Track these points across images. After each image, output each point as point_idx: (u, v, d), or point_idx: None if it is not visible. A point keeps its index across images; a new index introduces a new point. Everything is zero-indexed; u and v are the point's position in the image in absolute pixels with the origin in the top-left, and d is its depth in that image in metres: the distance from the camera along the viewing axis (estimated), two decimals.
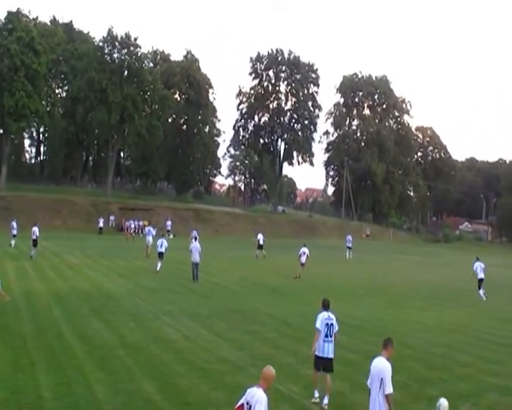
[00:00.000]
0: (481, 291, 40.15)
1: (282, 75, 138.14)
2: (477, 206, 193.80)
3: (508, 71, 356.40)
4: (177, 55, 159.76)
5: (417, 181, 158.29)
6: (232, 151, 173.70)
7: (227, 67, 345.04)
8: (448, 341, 25.17)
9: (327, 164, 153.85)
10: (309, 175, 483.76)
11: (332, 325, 16.61)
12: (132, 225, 76.60)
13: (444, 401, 11.33)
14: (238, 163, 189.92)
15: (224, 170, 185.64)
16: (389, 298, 36.97)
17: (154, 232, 59.57)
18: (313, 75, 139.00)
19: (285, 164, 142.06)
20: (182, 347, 21.36)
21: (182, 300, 31.59)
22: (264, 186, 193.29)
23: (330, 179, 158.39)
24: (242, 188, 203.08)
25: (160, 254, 43.95)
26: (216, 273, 44.21)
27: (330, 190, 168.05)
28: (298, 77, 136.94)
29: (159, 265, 43.16)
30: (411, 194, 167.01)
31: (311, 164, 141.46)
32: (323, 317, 16.66)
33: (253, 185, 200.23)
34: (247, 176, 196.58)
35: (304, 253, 47.38)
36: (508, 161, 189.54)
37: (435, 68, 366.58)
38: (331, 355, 16.45)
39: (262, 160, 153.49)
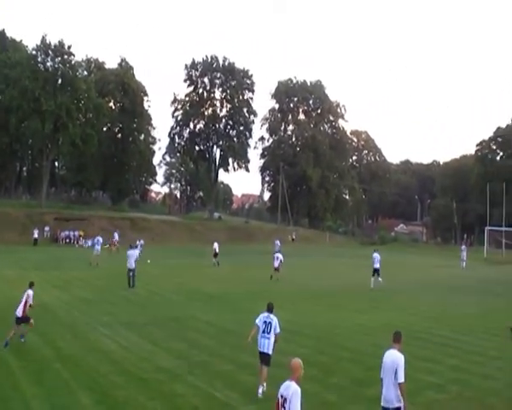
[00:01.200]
0: (377, 279, 45.99)
1: (217, 82, 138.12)
2: (412, 208, 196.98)
3: (439, 75, 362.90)
4: (111, 63, 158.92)
5: (353, 184, 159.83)
6: (168, 159, 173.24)
7: (162, 74, 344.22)
8: (385, 342, 25.20)
9: (262, 170, 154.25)
10: (245, 181, 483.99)
11: (270, 323, 18.26)
12: (116, 237, 75.14)
13: None
14: (174, 170, 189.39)
15: (160, 178, 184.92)
16: (326, 302, 37.13)
17: (101, 241, 59.22)
18: (248, 81, 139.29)
19: (221, 170, 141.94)
20: (119, 357, 21.25)
21: (118, 310, 31.36)
22: (200, 193, 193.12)
23: (266, 185, 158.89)
24: (178, 195, 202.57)
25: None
26: (153, 282, 44.01)
27: (266, 195, 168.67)
28: (233, 83, 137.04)
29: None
30: (347, 197, 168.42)
31: (247, 170, 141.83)
32: (263, 315, 18.64)
33: (188, 193, 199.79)
34: (183, 183, 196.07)
35: (277, 258, 49.71)
36: (441, 163, 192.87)
37: (369, 73, 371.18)
38: (268, 351, 17.97)
39: (198, 167, 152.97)
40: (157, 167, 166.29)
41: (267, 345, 18.05)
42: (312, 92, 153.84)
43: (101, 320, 28.00)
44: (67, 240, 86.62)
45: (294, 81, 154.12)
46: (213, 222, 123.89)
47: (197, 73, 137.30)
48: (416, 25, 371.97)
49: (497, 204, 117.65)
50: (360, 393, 17.92)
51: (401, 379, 12.90)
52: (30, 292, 22.88)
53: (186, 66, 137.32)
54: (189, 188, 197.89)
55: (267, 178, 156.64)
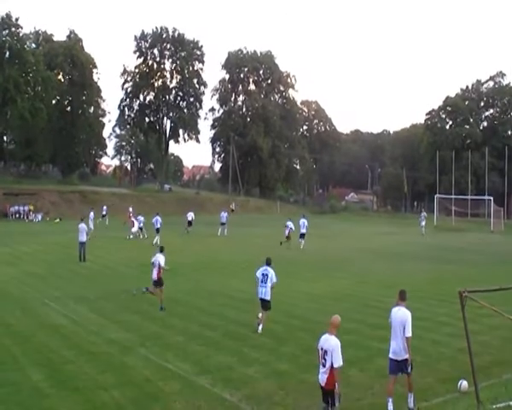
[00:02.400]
0: (301, 240, 51.06)
1: (167, 53, 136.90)
2: (362, 177, 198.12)
3: (389, 44, 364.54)
4: (60, 36, 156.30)
5: (303, 154, 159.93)
6: (118, 131, 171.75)
7: (111, 46, 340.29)
8: (334, 309, 25.22)
9: (213, 140, 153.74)
10: (195, 152, 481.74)
11: (267, 275, 22.12)
12: (131, 210, 72.73)
13: (463, 382, 13.97)
14: (124, 143, 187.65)
15: (110, 150, 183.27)
16: (278, 270, 37.23)
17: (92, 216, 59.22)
18: (198, 52, 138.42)
19: (171, 142, 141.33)
20: (69, 332, 21.13)
21: (69, 284, 31.16)
22: (151, 165, 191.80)
23: (217, 156, 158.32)
24: (129, 168, 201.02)
25: (157, 230, 54.18)
26: (103, 255, 43.79)
27: (217, 166, 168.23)
28: (183, 54, 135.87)
29: (156, 238, 52.17)
30: (297, 167, 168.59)
31: (198, 141, 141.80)
32: (262, 268, 22.47)
33: (139, 165, 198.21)
34: (134, 155, 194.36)
35: (287, 226, 52.86)
36: (392, 132, 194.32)
37: (319, 42, 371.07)
38: (267, 297, 21.88)
39: (148, 139, 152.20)
40: (107, 140, 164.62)
41: (265, 292, 21.91)
42: (262, 62, 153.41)
43: (52, 295, 27.79)
44: (17, 215, 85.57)
45: (245, 52, 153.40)
46: (164, 194, 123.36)
47: (147, 45, 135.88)
48: None
49: (447, 172, 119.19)
50: (311, 361, 17.98)
51: (409, 333, 14.09)
52: (161, 257, 25.87)
53: (135, 37, 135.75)
54: (139, 160, 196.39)
55: (218, 149, 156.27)
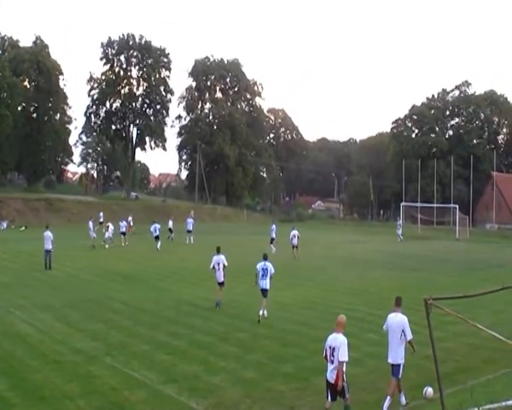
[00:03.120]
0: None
1: (134, 60, 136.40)
2: (329, 184, 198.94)
3: (355, 53, 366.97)
4: (25, 42, 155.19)
5: (270, 162, 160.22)
6: (84, 138, 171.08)
7: (78, 52, 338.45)
8: (302, 318, 25.74)
9: (180, 148, 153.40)
10: (162, 160, 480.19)
11: (266, 269, 26.37)
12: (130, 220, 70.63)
13: (429, 389, 14.57)
14: (90, 150, 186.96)
15: (77, 158, 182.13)
16: (244, 279, 37.29)
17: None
18: (165, 60, 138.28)
19: (138, 150, 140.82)
20: (35, 341, 21.04)
21: (35, 293, 31.02)
22: (117, 173, 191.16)
23: (183, 163, 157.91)
24: (95, 175, 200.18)
25: (157, 238, 56.56)
26: (69, 264, 43.60)
27: (184, 174, 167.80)
28: (149, 62, 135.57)
29: (158, 244, 55.58)
30: (264, 175, 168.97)
31: (164, 149, 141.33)
32: (261, 263, 26.56)
33: (105, 172, 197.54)
34: (100, 163, 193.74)
35: (294, 235, 52.49)
36: (358, 140, 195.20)
37: (286, 51, 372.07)
38: (267, 287, 26.13)
39: (114, 146, 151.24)
40: (73, 147, 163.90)
41: (265, 283, 26.09)
42: (229, 70, 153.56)
43: (17, 303, 27.68)
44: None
45: (211, 59, 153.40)
46: (130, 202, 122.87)
47: (113, 52, 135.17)
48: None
49: (413, 180, 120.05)
50: (278, 369, 18.13)
51: (410, 337, 15.34)
52: (223, 257, 28.86)
53: (102, 44, 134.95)
54: (105, 168, 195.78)
55: (184, 157, 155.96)
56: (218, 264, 28.62)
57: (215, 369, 17.99)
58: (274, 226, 59.43)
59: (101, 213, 77.34)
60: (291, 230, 53.63)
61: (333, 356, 13.36)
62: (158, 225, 58.00)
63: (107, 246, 56.98)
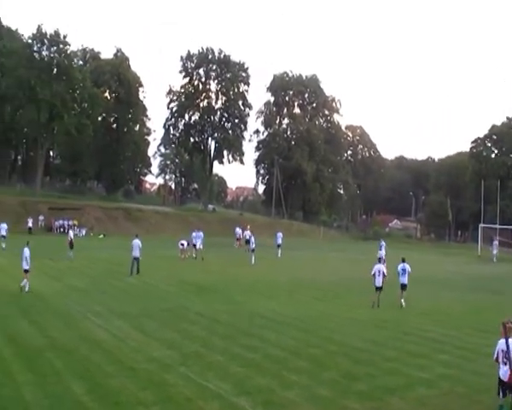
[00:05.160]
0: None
1: (213, 74, 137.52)
2: (406, 203, 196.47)
3: (435, 71, 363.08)
4: (106, 54, 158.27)
5: (347, 179, 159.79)
6: (163, 150, 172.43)
7: (157, 65, 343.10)
8: (375, 336, 25.45)
9: (257, 162, 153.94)
10: (239, 174, 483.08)
11: (405, 269, 34.24)
12: (195, 238, 60.68)
13: None
14: (169, 162, 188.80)
15: (155, 169, 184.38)
16: (318, 294, 37.13)
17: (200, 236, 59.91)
18: (243, 74, 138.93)
19: (215, 163, 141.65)
20: (111, 347, 21.30)
21: (111, 300, 31.45)
22: (195, 185, 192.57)
23: (261, 178, 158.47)
24: (173, 187, 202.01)
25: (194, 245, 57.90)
26: (146, 273, 43.91)
27: (261, 188, 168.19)
28: (228, 76, 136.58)
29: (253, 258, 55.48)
30: (341, 192, 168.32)
31: (242, 162, 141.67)
32: (401, 265, 34.53)
33: (183, 184, 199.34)
34: (178, 175, 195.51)
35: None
36: (436, 159, 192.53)
37: (365, 67, 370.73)
38: (406, 282, 34.07)
39: (192, 158, 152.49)
40: (152, 158, 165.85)
41: (404, 279, 34.24)
42: (308, 86, 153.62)
43: (94, 310, 28.05)
44: (61, 229, 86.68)
45: (290, 75, 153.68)
46: (207, 214, 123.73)
47: (192, 65, 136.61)
48: (413, 20, 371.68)
49: (492, 202, 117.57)
50: (351, 387, 17.96)
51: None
52: (383, 266, 34.57)
53: (181, 57, 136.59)
54: (183, 179, 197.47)
55: (262, 171, 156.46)
56: (379, 271, 33.67)
57: (288, 383, 17.92)
58: (383, 243, 61.66)
59: (242, 231, 79.14)
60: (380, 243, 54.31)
61: (505, 358, 14.20)
62: (252, 236, 60.82)
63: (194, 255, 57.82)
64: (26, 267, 32.74)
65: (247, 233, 70.75)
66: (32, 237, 71.72)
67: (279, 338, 23.91)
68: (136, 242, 43.67)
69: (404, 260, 34.68)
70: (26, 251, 32.93)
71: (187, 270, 48.16)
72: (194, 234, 59.98)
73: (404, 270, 34.25)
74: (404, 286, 34.00)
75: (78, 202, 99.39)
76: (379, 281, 33.31)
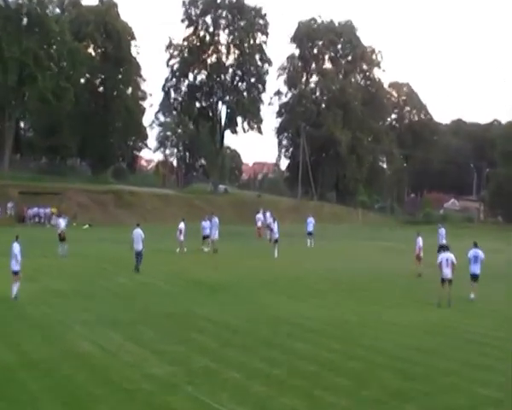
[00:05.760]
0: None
1: (223, 22, 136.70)
2: (466, 178, 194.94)
3: (501, 14, 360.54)
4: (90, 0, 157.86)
5: (391, 150, 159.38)
6: (162, 118, 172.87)
7: (154, 12, 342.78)
8: (429, 344, 25.31)
9: (279, 131, 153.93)
10: (257, 146, 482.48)
11: (477, 256, 35.75)
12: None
13: None
14: (169, 133, 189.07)
15: (152, 142, 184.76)
16: (357, 294, 37.16)
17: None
18: (261, 22, 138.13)
19: (227, 133, 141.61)
20: (100, 364, 21.25)
21: (100, 305, 31.45)
22: (202, 161, 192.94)
23: (283, 150, 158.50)
24: (175, 164, 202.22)
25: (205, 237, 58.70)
26: (143, 270, 44.01)
27: (284, 163, 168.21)
28: (242, 24, 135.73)
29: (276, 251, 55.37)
30: (384, 166, 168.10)
31: (260, 132, 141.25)
32: (472, 251, 36.13)
33: (188, 160, 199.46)
34: (181, 149, 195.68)
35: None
36: (504, 123, 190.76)
37: (412, 11, 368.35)
38: (478, 272, 35.76)
39: (199, 128, 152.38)
40: (148, 129, 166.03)
41: (476, 269, 36.00)
42: (341, 35, 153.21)
43: (79, 318, 28.05)
44: (36, 219, 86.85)
45: (319, 21, 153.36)
46: (218, 196, 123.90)
47: (197, 12, 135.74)
48: None
49: None
50: (401, 408, 17.84)
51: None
52: (452, 255, 34.89)
53: (184, 2, 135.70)
54: (187, 154, 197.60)
55: (285, 142, 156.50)
56: (447, 260, 34.44)
57: (322, 405, 17.82)
58: (443, 230, 61.44)
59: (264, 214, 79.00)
60: (416, 236, 52.43)
61: None
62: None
63: (178, 250, 57.31)
64: (17, 268, 32.13)
65: (268, 217, 70.88)
66: None
67: (309, 349, 23.84)
68: (138, 232, 44.13)
69: (476, 245, 36.17)
70: (16, 247, 32.36)
71: (194, 266, 48.20)
72: (204, 223, 59.73)
73: (476, 257, 35.74)
74: (475, 277, 35.67)
75: (56, 184, 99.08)
76: (447, 272, 34.10)
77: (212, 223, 59.76)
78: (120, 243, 45.70)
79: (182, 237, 57.21)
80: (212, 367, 21.05)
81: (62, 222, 54.22)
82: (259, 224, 76.38)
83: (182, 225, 57.93)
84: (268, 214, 74.31)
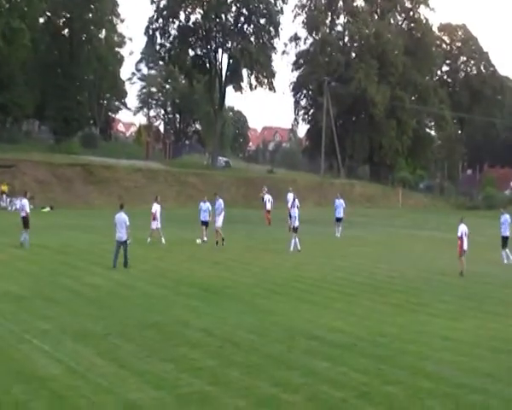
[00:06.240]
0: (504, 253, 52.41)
1: None
2: None
3: None
4: None
5: (442, 112, 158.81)
6: (144, 70, 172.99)
7: None
8: (492, 366, 25.14)
9: (296, 88, 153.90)
10: (268, 107, 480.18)
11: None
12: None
13: None
14: (154, 89, 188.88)
15: (132, 100, 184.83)
16: (396, 299, 37.19)
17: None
18: None
19: (229, 89, 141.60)
20: (64, 387, 21.12)
21: (65, 311, 31.40)
22: (197, 126, 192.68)
23: (302, 113, 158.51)
24: (162, 129, 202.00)
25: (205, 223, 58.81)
26: (120, 266, 44.15)
27: (302, 129, 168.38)
28: None
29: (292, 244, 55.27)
30: (432, 133, 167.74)
31: (272, 89, 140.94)
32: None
33: (178, 125, 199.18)
34: (170, 110, 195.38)
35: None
36: None
37: None
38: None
39: (193, 83, 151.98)
40: (127, 84, 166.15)
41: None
42: None
43: (37, 328, 28.05)
44: None
45: None
46: (218, 172, 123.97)
47: None
48: None
49: None
50: None
51: None
52: None
53: None
54: (178, 117, 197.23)
55: (303, 102, 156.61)
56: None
57: None
58: (507, 217, 57.49)
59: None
60: (458, 223, 52.25)
61: None
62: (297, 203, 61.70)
63: (149, 240, 57.29)
64: None
65: (290, 197, 70.92)
66: None
67: (335, 370, 23.83)
68: (121, 217, 43.94)
69: None
70: None
71: (186, 262, 48.25)
72: (202, 204, 59.56)
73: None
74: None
75: (7, 154, 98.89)
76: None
77: (216, 206, 59.78)
78: (91, 230, 45.53)
79: (155, 224, 57.14)
80: (209, 392, 21.02)
81: (27, 203, 54.44)
82: (269, 206, 76.56)
83: (156, 207, 57.89)
84: (291, 195, 73.93)
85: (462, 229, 48.38)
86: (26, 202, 54.34)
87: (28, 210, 52.92)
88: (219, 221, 58.87)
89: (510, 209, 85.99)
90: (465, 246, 47.68)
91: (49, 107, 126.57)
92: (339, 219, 67.58)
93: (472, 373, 23.89)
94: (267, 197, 77.08)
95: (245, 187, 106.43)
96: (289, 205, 67.77)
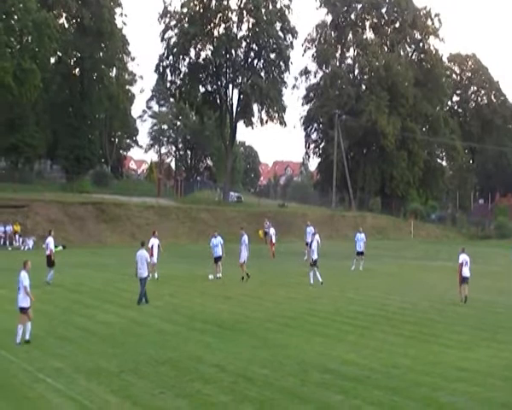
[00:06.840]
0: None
1: None
2: None
3: None
4: None
5: (453, 143, 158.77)
6: (155, 108, 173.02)
7: None
8: (506, 396, 24.85)
9: (307, 122, 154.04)
10: (279, 141, 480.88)
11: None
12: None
13: None
14: (165, 126, 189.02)
15: (144, 138, 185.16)
16: (408, 330, 37.21)
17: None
18: None
19: (240, 125, 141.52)
20: None
21: (79, 350, 31.45)
22: (208, 162, 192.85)
23: (313, 146, 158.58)
24: (173, 165, 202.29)
25: (217, 259, 58.16)
26: (133, 304, 44.21)
27: (313, 163, 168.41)
28: None
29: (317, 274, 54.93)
30: (443, 164, 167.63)
31: (282, 123, 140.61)
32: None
33: (190, 161, 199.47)
34: (181, 147, 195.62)
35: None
36: None
37: None
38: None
39: (203, 119, 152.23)
40: (138, 122, 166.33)
41: None
42: None
43: (51, 366, 28.07)
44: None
45: None
46: (229, 207, 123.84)
47: None
48: None
49: None
50: None
51: None
52: None
53: None
54: (189, 154, 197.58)
55: (314, 136, 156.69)
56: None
57: None
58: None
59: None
60: (459, 253, 52.16)
61: None
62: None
63: (156, 275, 57.16)
64: (26, 305, 32.41)
65: (310, 231, 70.80)
66: None
67: (349, 403, 23.81)
68: (143, 254, 44.91)
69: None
70: (25, 277, 32.73)
71: (199, 298, 48.25)
72: (213, 239, 59.47)
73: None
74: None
75: (19, 195, 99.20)
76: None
77: (241, 241, 60.06)
78: (104, 268, 45.68)
79: (155, 259, 56.60)
80: None
81: (51, 241, 54.60)
82: (274, 239, 77.04)
83: (152, 242, 57.97)
84: (310, 229, 73.52)
85: (463, 258, 48.69)
86: (50, 239, 54.69)
87: (53, 248, 53.24)
88: (242, 256, 59.01)
89: None
90: (465, 273, 48.06)
91: (60, 146, 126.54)
92: (360, 253, 67.67)
93: (486, 404, 23.84)
94: (272, 231, 77.51)
95: (256, 221, 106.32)
96: (308, 238, 67.80)
